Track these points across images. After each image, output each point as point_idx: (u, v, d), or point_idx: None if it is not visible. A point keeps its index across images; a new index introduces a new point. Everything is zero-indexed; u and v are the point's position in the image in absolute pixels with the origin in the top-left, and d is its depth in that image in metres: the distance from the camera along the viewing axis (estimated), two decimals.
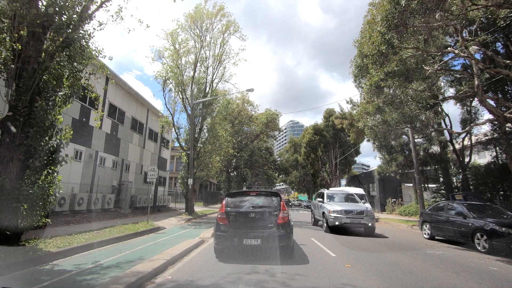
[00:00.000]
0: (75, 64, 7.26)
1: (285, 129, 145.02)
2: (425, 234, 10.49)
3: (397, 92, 9.78)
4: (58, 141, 7.01)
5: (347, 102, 22.35)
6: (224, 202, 7.10)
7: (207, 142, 22.17)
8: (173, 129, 21.07)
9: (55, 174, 6.89)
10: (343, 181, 37.84)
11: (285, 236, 6.21)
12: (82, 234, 8.72)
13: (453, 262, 6.64)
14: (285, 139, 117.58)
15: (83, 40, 7.49)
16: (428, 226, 10.29)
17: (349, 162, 35.69)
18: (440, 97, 11.97)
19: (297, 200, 55.06)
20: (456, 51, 8.51)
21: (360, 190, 22.49)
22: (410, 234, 12.43)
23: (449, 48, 9.33)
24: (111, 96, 17.86)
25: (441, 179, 18.97)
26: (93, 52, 7.98)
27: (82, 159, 15.18)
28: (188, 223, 15.69)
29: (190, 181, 19.33)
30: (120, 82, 18.62)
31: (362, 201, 14.14)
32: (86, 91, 8.29)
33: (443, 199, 17.83)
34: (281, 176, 50.51)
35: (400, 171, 16.16)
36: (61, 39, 7.02)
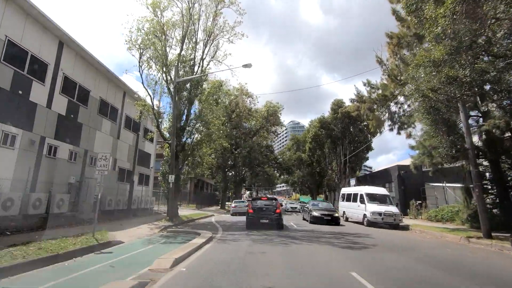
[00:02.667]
0: None
1: (285, 129, 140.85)
2: None
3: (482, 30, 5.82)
4: None
5: (364, 85, 18.60)
6: (249, 203, 14.10)
7: (195, 131, 18.14)
8: (153, 115, 17.02)
9: None
10: (352, 181, 33.83)
11: (279, 219, 13.00)
12: None
13: None
14: (286, 140, 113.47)
15: None
16: None
17: (360, 160, 31.67)
18: None
19: (299, 202, 50.79)
20: None
21: (384, 191, 18.50)
22: (489, 254, 8.29)
23: None
24: (68, 67, 13.85)
25: (488, 175, 14.92)
26: None
27: (17, 145, 11.14)
28: (162, 233, 11.63)
29: (171, 178, 15.29)
30: (82, 52, 14.62)
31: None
32: None
33: (497, 200, 13.80)
34: (282, 176, 46.16)
35: (443, 163, 12.05)
36: None
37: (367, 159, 32.87)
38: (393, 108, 17.75)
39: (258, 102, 37.22)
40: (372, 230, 14.13)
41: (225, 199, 36.95)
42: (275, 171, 43.71)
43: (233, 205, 26.43)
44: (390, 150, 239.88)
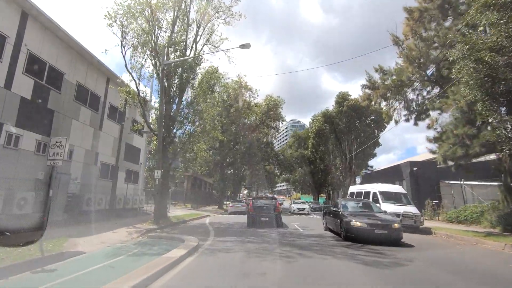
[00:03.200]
0: None
1: (286, 128, 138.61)
2: None
3: None
4: None
5: (376, 71, 16.58)
6: (251, 202, 14.60)
7: (186, 121, 16.11)
8: (138, 102, 14.99)
9: None
10: (358, 179, 31.92)
11: (279, 217, 13.67)
12: None
13: None
14: (286, 139, 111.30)
15: None
16: None
17: (367, 156, 29.64)
18: None
19: (307, 202, 48.27)
20: None
21: (400, 188, 16.47)
22: None
23: None
24: (34, 43, 11.81)
25: None
26: None
27: None
28: (141, 239, 9.62)
29: (158, 174, 13.27)
30: (52, 27, 12.58)
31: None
32: None
33: None
34: (283, 175, 43.91)
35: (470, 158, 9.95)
36: None
37: (374, 155, 30.82)
38: (410, 95, 15.73)
39: (258, 95, 35.19)
40: None
41: (223, 199, 34.91)
42: (276, 169, 41.67)
43: (230, 204, 28.09)
44: (391, 149, 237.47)
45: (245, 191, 77.28)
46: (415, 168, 22.58)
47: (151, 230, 11.30)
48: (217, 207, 34.69)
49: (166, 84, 15.78)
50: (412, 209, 13.75)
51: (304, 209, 25.69)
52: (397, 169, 25.07)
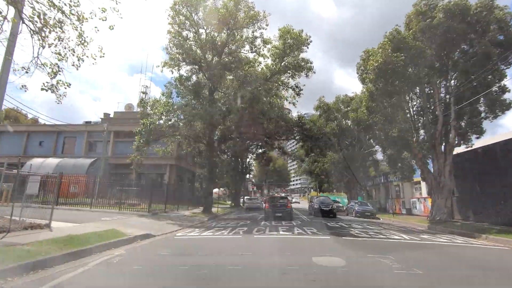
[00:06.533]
0: None
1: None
2: None
3: None
4: None
5: None
6: (267, 201, 17.95)
7: None
8: None
9: None
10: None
11: (290, 213, 16.46)
12: None
13: None
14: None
15: None
16: None
17: (478, 114, 14.82)
18: None
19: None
20: None
21: None
22: None
23: None
24: None
25: None
26: None
27: None
28: None
29: None
30: None
31: None
32: None
33: None
34: (312, 155, 29.09)
35: None
36: None
37: (508, 107, 15.23)
38: None
39: (267, 25, 21.15)
40: None
41: (210, 197, 21.10)
42: (300, 145, 27.57)
43: (246, 200, 32.84)
44: None
45: (254, 188, 64.44)
46: None
47: None
48: (201, 210, 20.98)
49: None
50: None
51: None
52: None
